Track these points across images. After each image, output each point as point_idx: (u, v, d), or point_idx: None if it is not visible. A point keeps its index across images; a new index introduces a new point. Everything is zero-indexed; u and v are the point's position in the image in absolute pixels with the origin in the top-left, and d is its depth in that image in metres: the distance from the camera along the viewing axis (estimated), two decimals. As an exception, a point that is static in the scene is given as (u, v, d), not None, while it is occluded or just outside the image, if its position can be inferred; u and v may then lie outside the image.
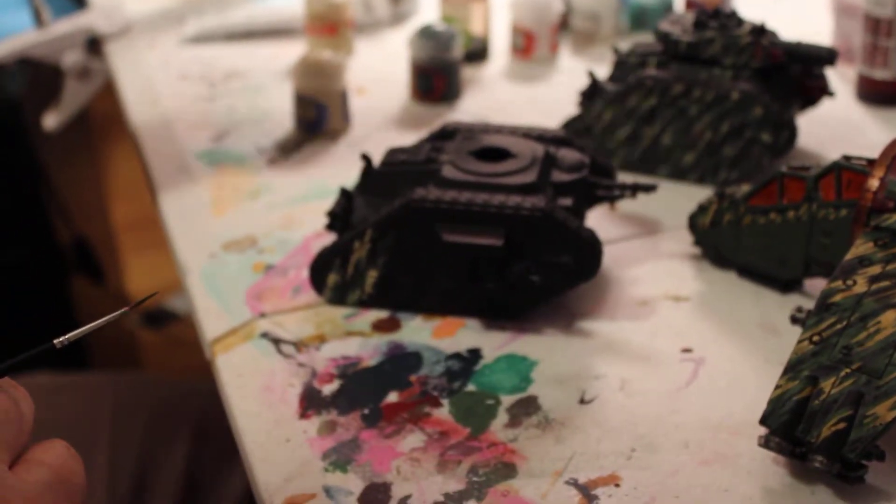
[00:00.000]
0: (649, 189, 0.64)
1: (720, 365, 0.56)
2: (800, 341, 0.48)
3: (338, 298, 0.63)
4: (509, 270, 0.59)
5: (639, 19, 1.02)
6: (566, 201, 0.60)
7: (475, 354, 0.58)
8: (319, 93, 0.85)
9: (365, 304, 0.62)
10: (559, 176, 0.61)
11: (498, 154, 0.62)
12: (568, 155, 0.63)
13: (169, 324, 1.68)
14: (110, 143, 2.09)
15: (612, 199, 0.64)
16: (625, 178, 0.73)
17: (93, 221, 1.72)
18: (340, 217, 0.62)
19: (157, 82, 1.00)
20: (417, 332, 0.60)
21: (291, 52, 0.99)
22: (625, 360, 0.57)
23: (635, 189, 0.64)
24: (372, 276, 0.62)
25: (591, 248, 0.59)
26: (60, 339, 0.42)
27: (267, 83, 0.96)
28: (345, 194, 0.63)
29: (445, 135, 0.66)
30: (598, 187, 0.63)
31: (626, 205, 0.71)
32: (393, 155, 0.64)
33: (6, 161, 1.35)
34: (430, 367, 0.57)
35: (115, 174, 2.10)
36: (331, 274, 0.62)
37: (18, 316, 1.33)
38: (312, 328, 0.61)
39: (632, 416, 0.53)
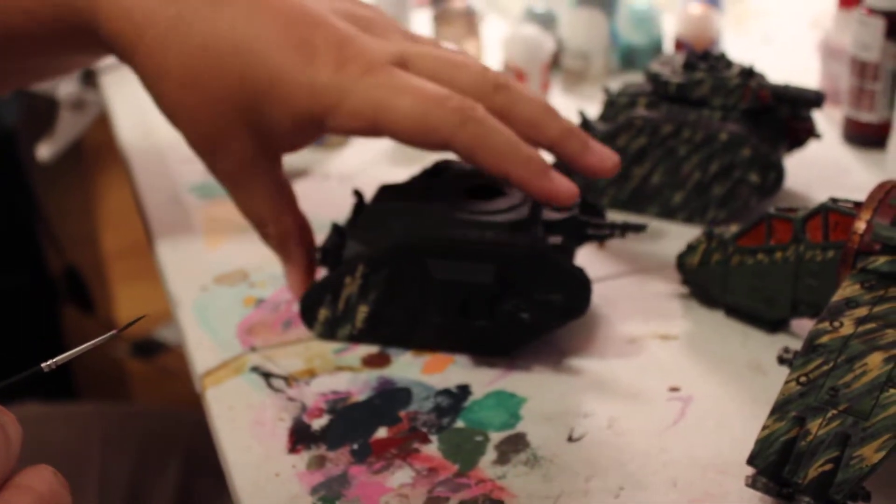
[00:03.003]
0: (639, 229, 0.64)
1: (708, 404, 0.56)
2: (787, 382, 0.48)
3: (328, 333, 0.63)
4: (499, 308, 0.59)
5: (628, 59, 1.03)
6: (556, 239, 0.60)
7: (464, 391, 0.58)
8: None
9: (355, 339, 0.62)
10: (550, 214, 0.61)
11: (489, 192, 0.62)
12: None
13: (158, 354, 1.68)
14: (101, 171, 2.09)
15: (601, 238, 0.64)
16: (614, 217, 0.73)
17: (83, 250, 1.72)
18: (332, 253, 0.62)
19: (150, 115, 0.99)
20: (407, 367, 0.60)
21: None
22: (613, 398, 0.57)
23: (625, 228, 0.64)
24: (363, 311, 0.61)
25: (580, 286, 0.59)
26: (48, 362, 0.42)
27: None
28: (337, 230, 0.63)
29: (438, 172, 0.66)
30: (587, 226, 0.63)
31: (614, 243, 0.71)
32: (385, 192, 0.64)
33: (0, 190, 1.35)
34: (420, 403, 0.57)
35: (106, 202, 2.10)
36: (321, 309, 0.62)
37: (8, 343, 1.32)
38: (303, 362, 0.61)
39: (620, 455, 0.53)
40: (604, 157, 0.60)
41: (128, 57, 0.60)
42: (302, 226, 0.64)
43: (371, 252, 0.60)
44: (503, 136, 0.57)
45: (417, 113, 0.56)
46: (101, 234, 1.92)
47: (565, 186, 0.58)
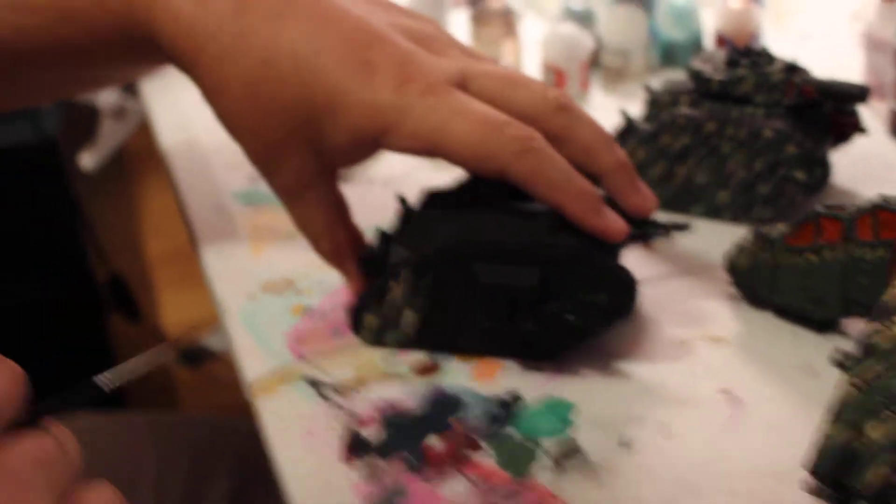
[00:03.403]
0: (682, 228, 0.64)
1: (760, 407, 0.56)
2: (842, 385, 0.48)
3: (376, 340, 0.63)
4: (544, 310, 0.59)
5: (669, 55, 1.02)
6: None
7: (515, 397, 0.58)
8: None
9: (403, 345, 0.63)
10: None
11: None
12: (603, 194, 0.63)
13: (206, 362, 1.69)
14: (143, 177, 2.11)
15: (645, 238, 0.64)
16: (659, 217, 0.73)
17: (128, 257, 1.74)
18: (377, 259, 0.63)
19: (193, 122, 1.00)
20: (457, 374, 0.60)
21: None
22: (663, 402, 0.57)
23: (669, 228, 0.63)
24: (410, 316, 0.62)
25: (625, 286, 0.59)
26: (104, 378, 0.42)
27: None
28: (382, 236, 0.63)
29: (481, 180, 0.66)
30: (632, 225, 0.63)
31: (661, 244, 0.71)
32: (430, 198, 0.64)
33: (44, 200, 1.37)
34: (471, 410, 0.57)
35: (149, 208, 2.12)
36: (369, 315, 0.63)
37: (55, 354, 1.34)
38: (353, 371, 0.61)
39: (672, 460, 0.52)
40: (646, 199, 0.62)
41: (188, 70, 0.61)
42: (356, 239, 0.65)
43: (416, 257, 0.60)
44: (559, 169, 0.58)
45: (475, 139, 0.57)
46: (145, 240, 1.94)
47: (616, 224, 0.59)
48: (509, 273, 0.58)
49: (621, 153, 0.61)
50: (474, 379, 0.60)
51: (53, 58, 0.64)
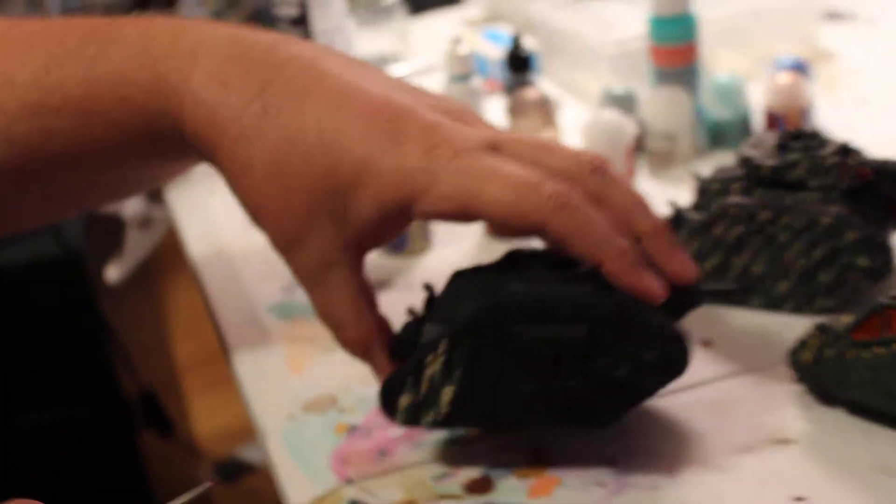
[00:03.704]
0: (730, 293, 0.64)
1: (837, 514, 0.56)
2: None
3: (411, 420, 0.63)
4: (593, 365, 0.59)
5: (716, 136, 1.03)
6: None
7: (574, 514, 0.58)
8: None
9: (440, 424, 0.62)
10: None
11: (569, 263, 0.62)
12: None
13: (243, 476, 1.69)
14: (169, 278, 2.13)
15: (693, 306, 0.64)
16: (718, 311, 0.73)
17: (156, 364, 1.76)
18: (409, 343, 0.63)
19: (222, 230, 1.02)
20: (512, 492, 0.60)
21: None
22: (733, 512, 0.57)
23: (715, 294, 0.64)
24: (447, 392, 0.62)
25: (677, 342, 0.59)
26: None
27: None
28: (412, 318, 0.64)
29: (511, 262, 0.66)
30: (681, 294, 0.63)
31: (720, 341, 0.71)
32: (458, 277, 0.64)
33: (70, 315, 1.39)
34: (529, 531, 0.57)
35: (176, 310, 2.14)
36: (403, 395, 0.62)
37: (87, 476, 1.35)
38: (402, 493, 0.61)
39: (747, 577, 0.52)
40: (684, 267, 0.62)
41: (210, 154, 0.63)
42: (384, 328, 0.65)
43: (454, 325, 0.61)
44: (599, 227, 0.59)
45: (510, 198, 0.58)
46: (174, 344, 1.96)
47: (655, 285, 0.59)
48: (553, 329, 0.59)
49: (658, 218, 0.62)
50: (530, 497, 0.60)
51: (82, 159, 0.67)
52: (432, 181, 0.59)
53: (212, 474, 1.68)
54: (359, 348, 0.65)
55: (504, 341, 0.60)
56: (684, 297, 0.63)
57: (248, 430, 1.73)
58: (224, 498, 1.66)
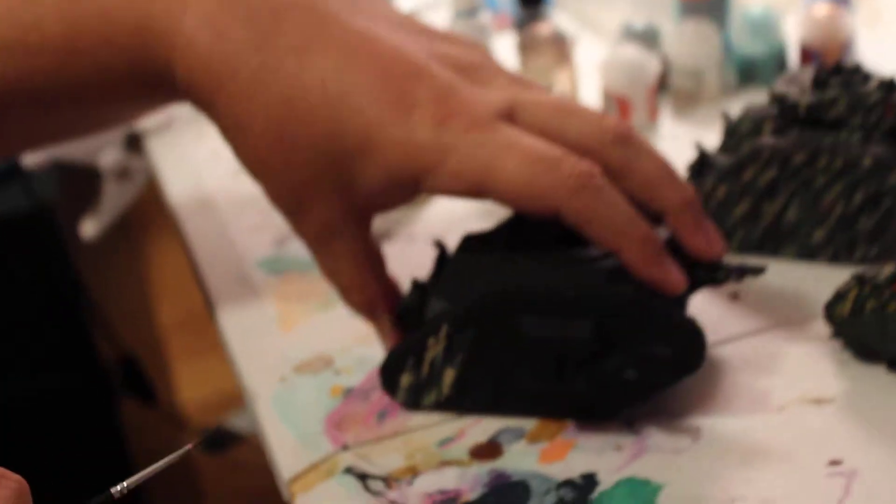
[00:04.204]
0: (757, 272, 0.64)
1: (877, 478, 0.56)
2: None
3: (412, 401, 0.65)
4: (600, 367, 0.60)
5: (747, 73, 1.03)
6: None
7: (590, 480, 0.59)
8: None
9: (442, 406, 0.64)
10: None
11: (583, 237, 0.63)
12: (663, 234, 0.63)
13: (231, 446, 1.70)
14: (150, 235, 2.14)
15: (714, 283, 0.64)
16: (746, 261, 0.73)
17: (137, 327, 1.76)
18: (413, 312, 0.64)
19: (206, 180, 1.02)
20: (522, 457, 0.61)
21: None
22: (764, 477, 0.57)
23: (742, 272, 0.64)
24: (449, 375, 0.63)
25: (691, 337, 0.60)
26: (118, 487, 0.43)
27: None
28: (417, 287, 0.65)
29: (526, 219, 0.67)
30: (697, 269, 0.63)
31: (750, 293, 0.72)
32: (469, 242, 0.66)
33: (42, 276, 1.39)
34: (540, 498, 0.58)
35: (158, 271, 2.14)
36: (404, 374, 0.64)
37: (64, 446, 1.35)
38: (402, 459, 0.62)
39: (777, 546, 0.53)
40: (712, 242, 0.63)
41: (206, 107, 0.64)
42: (391, 291, 0.67)
43: (456, 309, 0.62)
44: (619, 210, 0.59)
45: (525, 177, 0.58)
46: (156, 307, 1.97)
47: (675, 277, 0.61)
48: (559, 325, 0.59)
49: (688, 189, 0.62)
50: (542, 461, 0.60)
51: (62, 98, 0.68)
52: (443, 157, 0.60)
53: (197, 446, 1.68)
54: (364, 311, 0.67)
55: (508, 333, 0.61)
56: (702, 276, 0.63)
57: (235, 399, 1.74)
58: (210, 470, 1.67)
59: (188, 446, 0.45)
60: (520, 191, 0.59)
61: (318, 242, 0.65)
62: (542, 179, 0.58)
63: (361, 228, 0.65)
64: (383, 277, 0.67)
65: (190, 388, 1.82)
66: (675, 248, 0.63)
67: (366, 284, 0.66)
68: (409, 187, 0.62)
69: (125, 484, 0.42)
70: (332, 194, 0.62)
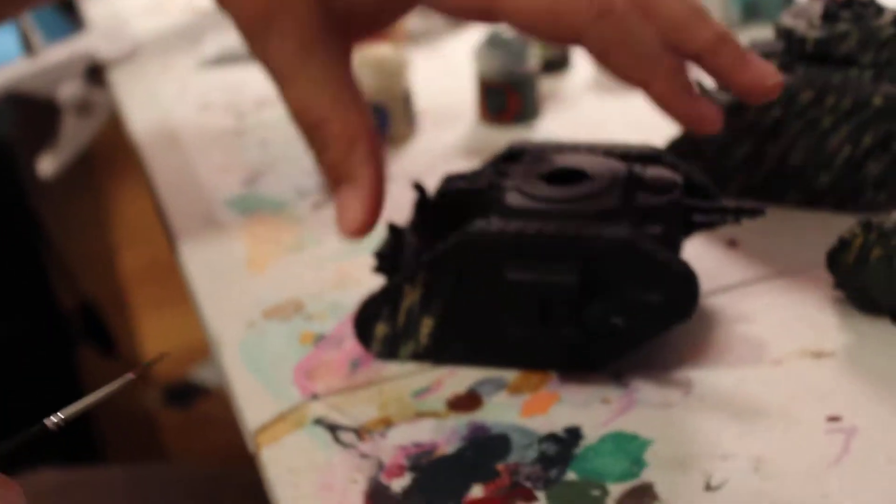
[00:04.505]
0: (756, 213, 0.64)
1: (877, 436, 0.56)
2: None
3: (388, 352, 0.65)
4: (587, 313, 0.60)
5: (751, 9, 1.02)
6: (655, 229, 0.61)
7: (574, 434, 0.59)
8: (380, 94, 0.87)
9: (420, 357, 0.64)
10: (646, 199, 0.62)
11: (572, 176, 0.63)
12: (657, 174, 0.63)
13: (195, 400, 1.70)
14: (114, 179, 2.13)
15: (711, 226, 0.64)
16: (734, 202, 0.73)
17: (98, 276, 1.76)
18: (389, 257, 0.64)
19: (173, 115, 1.02)
20: (503, 409, 0.61)
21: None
22: (758, 433, 0.57)
23: (739, 213, 0.64)
24: (427, 324, 0.63)
25: (684, 282, 0.59)
26: (54, 417, 0.42)
27: (305, 110, 0.98)
28: (394, 232, 0.64)
29: (512, 157, 0.67)
30: (693, 211, 0.63)
31: (748, 241, 0.72)
32: (450, 182, 0.65)
33: (-4, 216, 1.38)
34: (521, 453, 0.58)
35: (121, 216, 2.14)
36: (379, 324, 0.64)
37: (19, 397, 1.35)
38: (376, 410, 0.62)
39: (771, 505, 0.53)
40: (764, 74, 0.58)
41: None
42: (372, 132, 0.59)
43: (433, 254, 0.62)
44: (646, 39, 0.56)
45: None
46: (119, 254, 1.96)
47: (711, 110, 0.58)
48: (544, 269, 0.59)
49: (719, 26, 0.58)
50: (524, 414, 0.60)
51: None
52: None
53: (160, 399, 1.69)
54: (344, 144, 0.58)
55: (488, 279, 0.61)
56: (698, 218, 0.63)
57: (201, 352, 1.74)
58: (174, 425, 1.67)
59: (129, 374, 0.44)
60: (539, 12, 0.56)
61: (290, 67, 0.57)
62: (561, 1, 0.55)
63: (341, 52, 0.58)
64: (365, 111, 0.58)
65: (153, 340, 1.82)
66: (662, 188, 0.63)
67: (346, 112, 0.57)
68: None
69: (60, 415, 0.42)
70: (306, 6, 0.57)
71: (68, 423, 0.43)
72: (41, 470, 0.86)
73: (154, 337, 1.84)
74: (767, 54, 0.76)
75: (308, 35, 0.57)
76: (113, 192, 2.15)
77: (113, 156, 1.83)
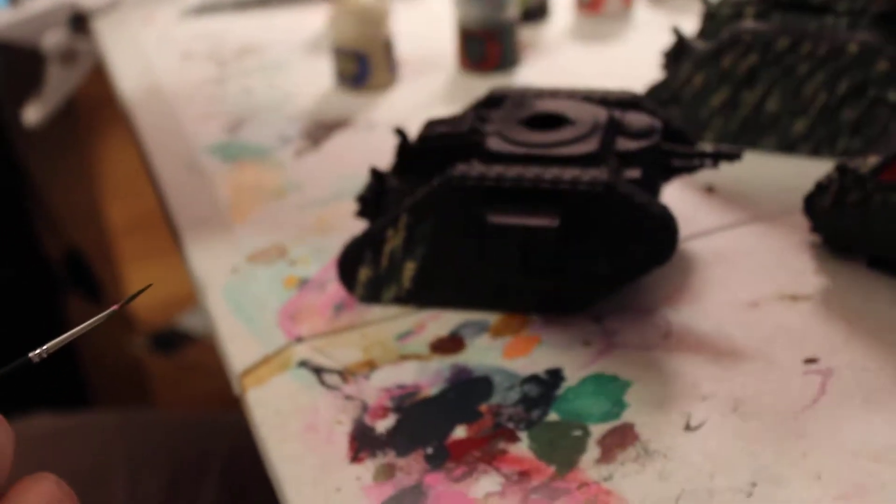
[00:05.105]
0: (733, 157, 0.63)
1: (852, 377, 0.56)
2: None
3: (371, 296, 0.64)
4: (567, 257, 0.59)
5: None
6: (634, 173, 0.60)
7: (556, 376, 0.58)
8: (361, 42, 0.86)
9: (403, 301, 0.64)
10: (625, 144, 0.62)
11: (552, 121, 0.63)
12: (636, 120, 0.63)
13: (182, 347, 1.70)
14: (100, 131, 2.11)
15: (689, 170, 0.64)
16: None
17: (85, 226, 1.74)
18: (371, 202, 0.63)
19: (156, 64, 1.01)
20: (485, 352, 0.60)
21: (314, 20, 0.99)
22: (736, 375, 0.57)
23: (717, 157, 0.63)
24: (409, 268, 0.62)
25: (663, 226, 0.59)
26: (37, 350, 0.42)
27: (287, 58, 0.97)
28: (376, 176, 0.64)
29: (492, 102, 0.67)
30: (672, 156, 0.63)
31: (726, 187, 0.71)
32: (431, 127, 0.65)
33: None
34: (503, 394, 0.57)
35: (108, 168, 2.12)
36: (362, 268, 0.63)
37: (7, 343, 1.34)
38: (360, 353, 0.61)
39: (749, 444, 0.52)
40: None
41: None
42: None
43: (415, 198, 0.61)
44: None
45: None
46: (105, 206, 1.94)
47: None
48: (525, 214, 0.58)
49: None
50: (506, 356, 0.60)
51: None
52: None
53: (148, 346, 1.68)
54: None
55: (470, 223, 0.60)
56: (677, 163, 0.63)
57: (187, 302, 1.74)
58: (161, 372, 1.66)
59: (112, 308, 0.43)
60: None
61: None
62: None
63: None
64: None
65: (139, 288, 1.80)
66: (641, 133, 0.62)
67: None
68: None
69: (45, 348, 0.41)
70: None
71: (52, 357, 0.42)
72: (34, 415, 0.85)
73: (140, 286, 1.82)
74: (745, 2, 0.75)
75: None
76: (99, 146, 2.13)
77: (99, 109, 1.81)
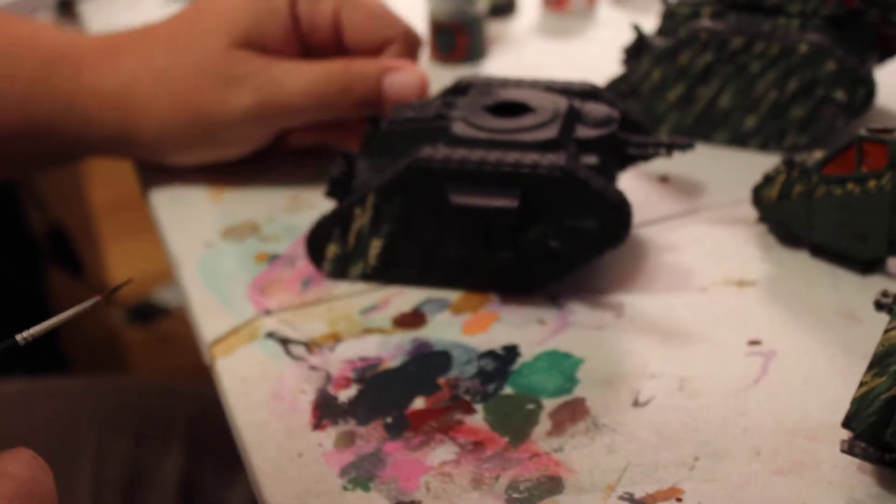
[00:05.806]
0: (686, 147, 0.64)
1: (793, 359, 0.56)
2: (887, 331, 0.48)
3: (338, 272, 0.64)
4: (526, 237, 0.59)
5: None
6: (591, 159, 0.61)
7: (512, 352, 0.58)
8: None
9: (369, 277, 0.64)
10: (584, 132, 0.62)
11: (515, 109, 0.63)
12: (595, 109, 0.63)
13: (157, 319, 1.69)
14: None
15: (644, 158, 0.64)
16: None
17: (69, 205, 1.74)
18: (341, 182, 0.63)
19: (139, 47, 0.99)
20: (445, 327, 0.60)
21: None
22: (683, 355, 0.57)
23: (671, 147, 0.63)
24: (376, 246, 0.62)
25: (617, 209, 0.59)
26: (23, 333, 0.41)
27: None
28: (346, 158, 0.64)
29: (459, 90, 0.67)
30: (628, 144, 0.63)
31: (679, 177, 0.71)
32: (398, 112, 0.65)
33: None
34: (461, 368, 0.57)
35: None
36: (330, 245, 0.63)
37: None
38: (325, 326, 0.61)
39: (693, 421, 0.53)
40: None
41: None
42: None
43: (382, 179, 0.61)
44: None
45: None
46: (89, 187, 1.94)
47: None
48: (486, 195, 0.59)
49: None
50: (465, 332, 0.60)
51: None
52: None
53: (124, 317, 1.67)
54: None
55: (434, 203, 0.60)
56: (632, 151, 0.63)
57: (164, 274, 1.73)
58: (137, 342, 1.66)
59: (96, 297, 0.43)
60: None
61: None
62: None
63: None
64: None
65: (119, 265, 1.80)
66: (599, 122, 0.62)
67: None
68: None
69: (31, 332, 0.41)
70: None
71: (35, 340, 0.42)
72: (7, 378, 0.85)
73: (120, 262, 1.82)
74: (702, 3, 0.75)
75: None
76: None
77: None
